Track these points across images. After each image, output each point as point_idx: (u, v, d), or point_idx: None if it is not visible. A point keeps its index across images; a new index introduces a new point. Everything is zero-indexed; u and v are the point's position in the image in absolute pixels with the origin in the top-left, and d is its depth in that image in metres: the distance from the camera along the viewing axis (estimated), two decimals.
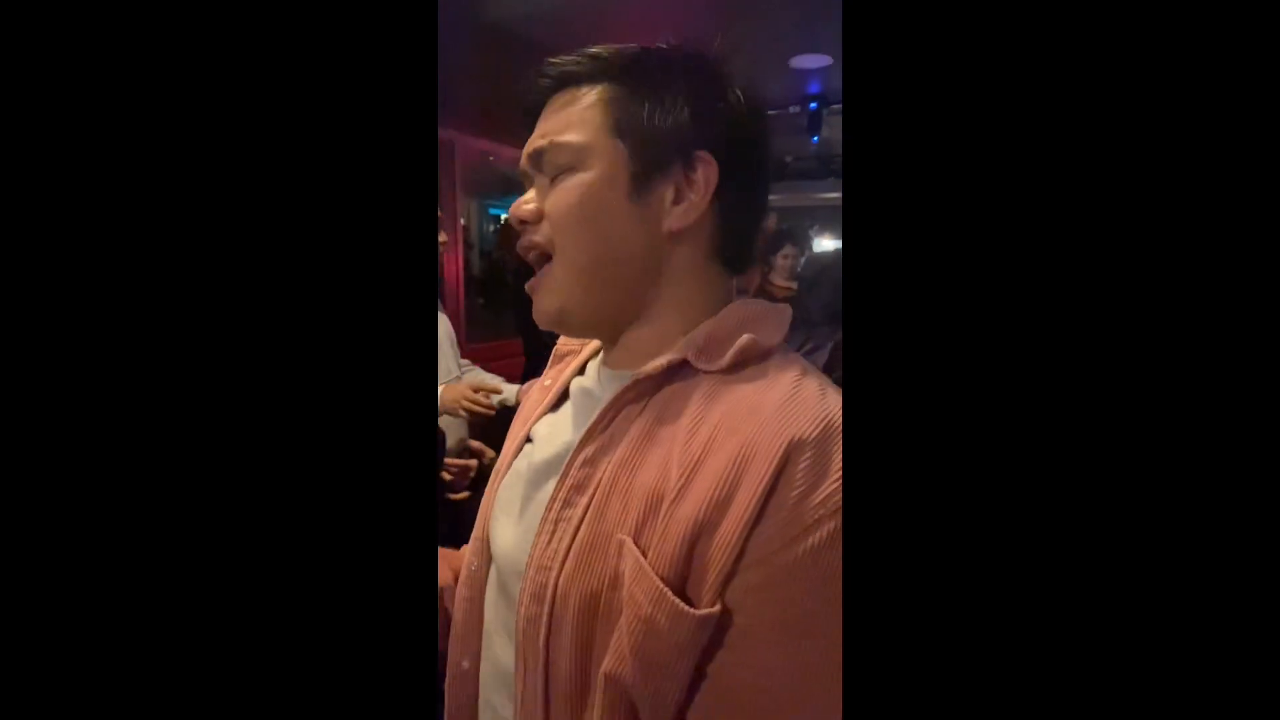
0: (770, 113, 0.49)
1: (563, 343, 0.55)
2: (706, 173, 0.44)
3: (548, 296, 0.45)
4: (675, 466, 0.39)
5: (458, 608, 0.51)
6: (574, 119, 0.44)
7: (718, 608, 0.36)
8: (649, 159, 0.44)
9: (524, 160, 0.46)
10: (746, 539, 0.36)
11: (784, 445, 0.37)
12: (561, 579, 0.41)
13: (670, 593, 0.36)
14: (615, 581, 0.39)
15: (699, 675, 0.37)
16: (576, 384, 0.51)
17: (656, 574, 0.37)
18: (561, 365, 0.54)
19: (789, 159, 4.20)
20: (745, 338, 0.42)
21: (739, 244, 0.47)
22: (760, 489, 0.36)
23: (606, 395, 0.45)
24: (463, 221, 4.12)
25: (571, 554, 0.41)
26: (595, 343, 0.53)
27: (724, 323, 0.44)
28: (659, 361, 0.43)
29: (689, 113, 0.44)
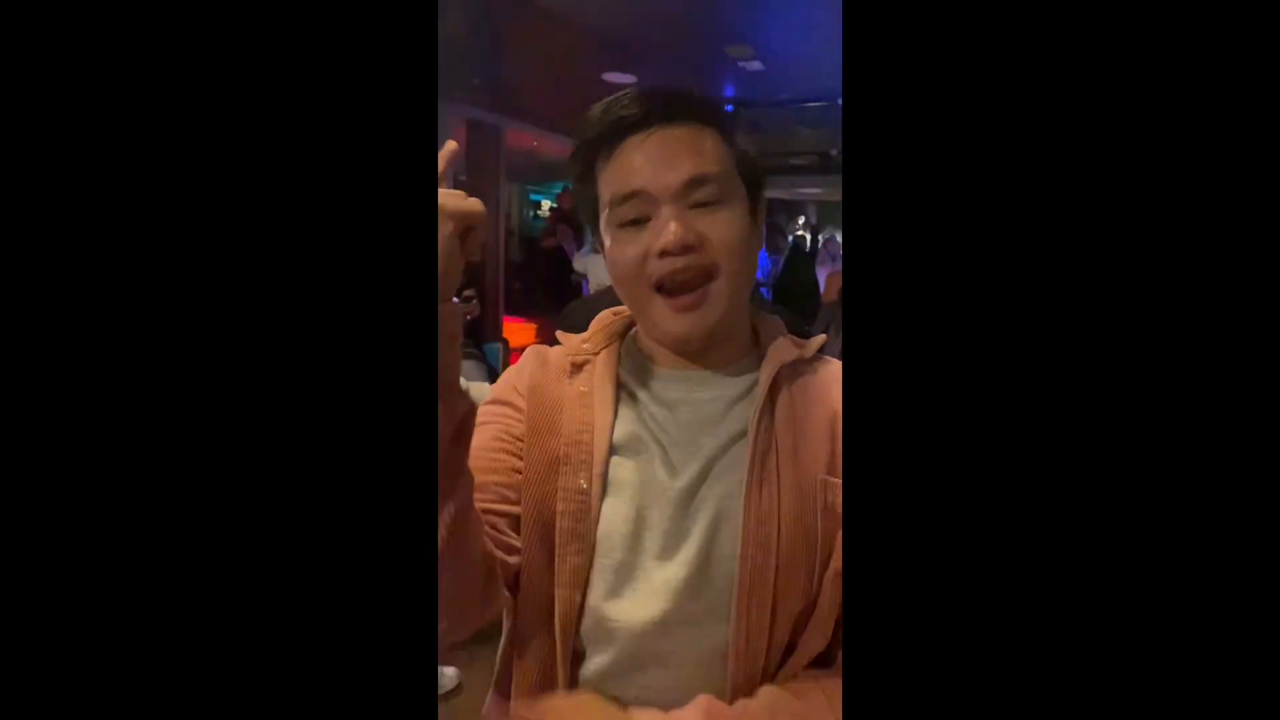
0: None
1: (579, 352, 0.57)
2: (763, 210, 0.56)
3: (712, 311, 0.51)
4: (822, 427, 0.53)
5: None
6: (708, 155, 0.51)
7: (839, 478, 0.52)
8: (754, 192, 0.54)
9: (664, 188, 0.50)
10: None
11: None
12: (783, 521, 0.50)
13: (838, 483, 0.51)
14: (827, 511, 0.51)
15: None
16: (667, 391, 0.55)
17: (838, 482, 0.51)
18: (586, 374, 0.56)
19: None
20: (821, 337, 0.59)
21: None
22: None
23: (732, 388, 0.54)
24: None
25: (784, 500, 0.50)
26: (608, 349, 0.57)
27: (781, 324, 0.59)
28: (798, 352, 0.55)
29: (749, 154, 0.54)
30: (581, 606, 0.50)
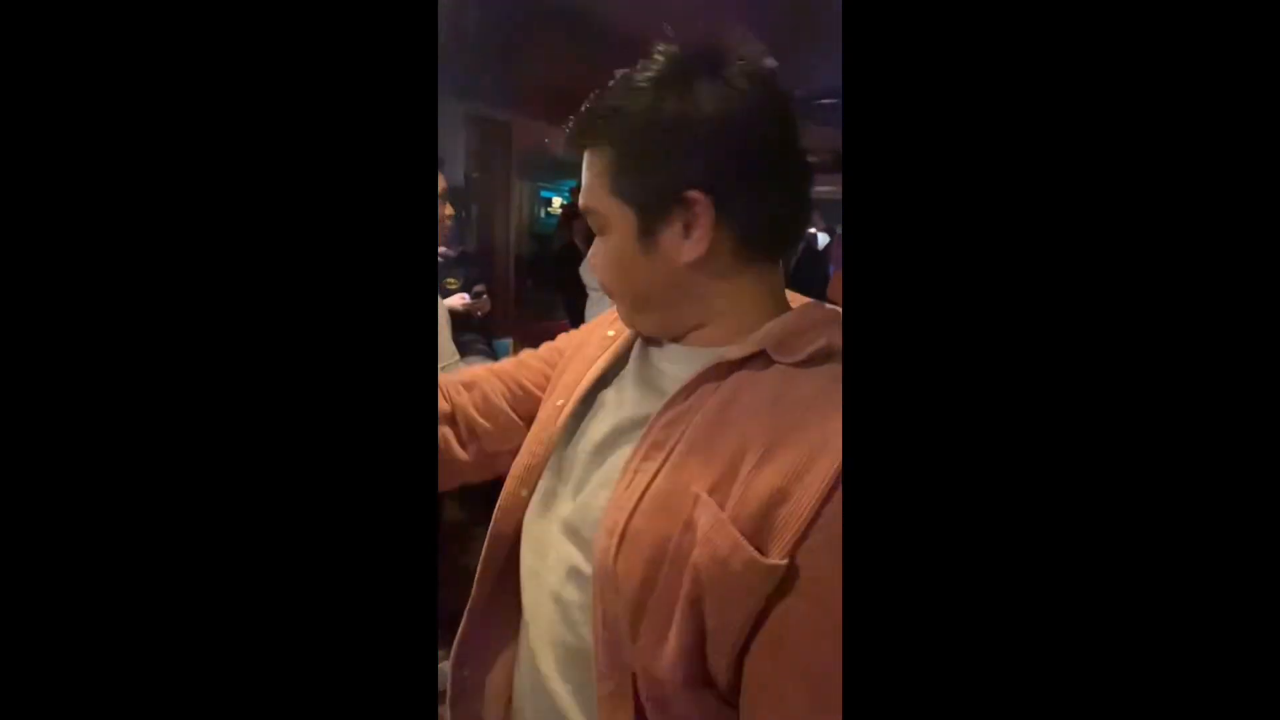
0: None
1: (614, 321, 0.60)
2: (701, 208, 0.47)
3: (629, 318, 0.55)
4: (759, 437, 0.44)
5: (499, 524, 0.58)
6: (591, 186, 0.50)
7: (785, 561, 0.41)
8: (649, 216, 0.48)
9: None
10: (819, 510, 0.41)
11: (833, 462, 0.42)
12: (635, 518, 0.46)
13: (747, 543, 0.42)
14: (689, 526, 0.44)
15: (761, 618, 0.42)
16: (645, 358, 0.56)
17: (737, 526, 0.43)
18: (611, 339, 0.60)
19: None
20: (824, 340, 0.47)
21: (769, 236, 0.50)
22: (835, 472, 0.41)
23: (686, 373, 0.50)
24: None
25: (647, 498, 0.46)
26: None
27: (799, 321, 0.49)
28: (739, 351, 0.48)
29: (673, 158, 0.47)
30: (526, 503, 0.56)
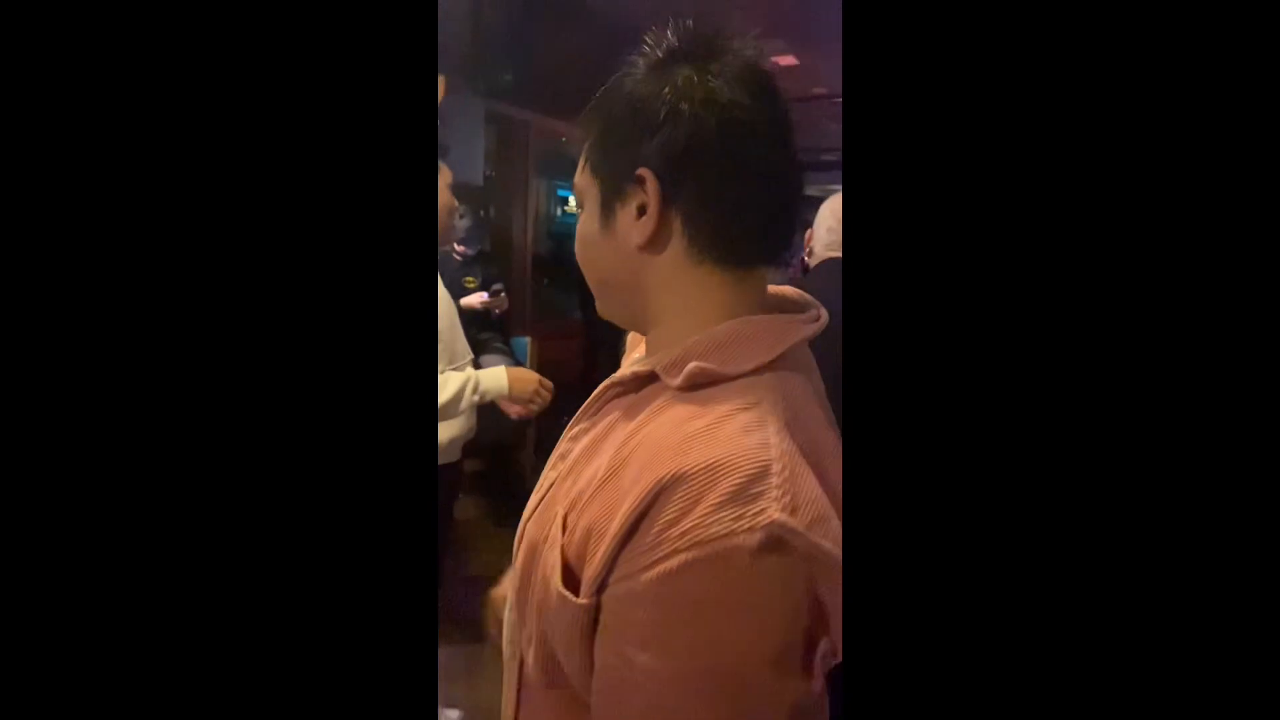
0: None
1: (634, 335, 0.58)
2: (650, 187, 0.45)
3: (606, 312, 0.53)
4: (609, 464, 0.42)
5: None
6: (580, 165, 0.50)
7: (590, 602, 0.40)
8: (609, 190, 0.47)
9: None
10: (617, 554, 0.39)
11: (665, 475, 0.38)
12: (529, 524, 0.47)
13: (559, 577, 0.41)
14: (551, 542, 0.44)
15: (590, 659, 0.41)
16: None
17: (566, 553, 0.42)
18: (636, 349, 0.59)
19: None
20: (692, 366, 0.44)
21: (724, 241, 0.46)
22: (634, 512, 0.39)
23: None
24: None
25: (537, 510, 0.48)
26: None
27: (703, 342, 0.45)
28: (629, 369, 0.48)
29: (632, 138, 0.46)
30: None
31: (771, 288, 0.51)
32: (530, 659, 0.46)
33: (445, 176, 1.38)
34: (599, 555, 0.39)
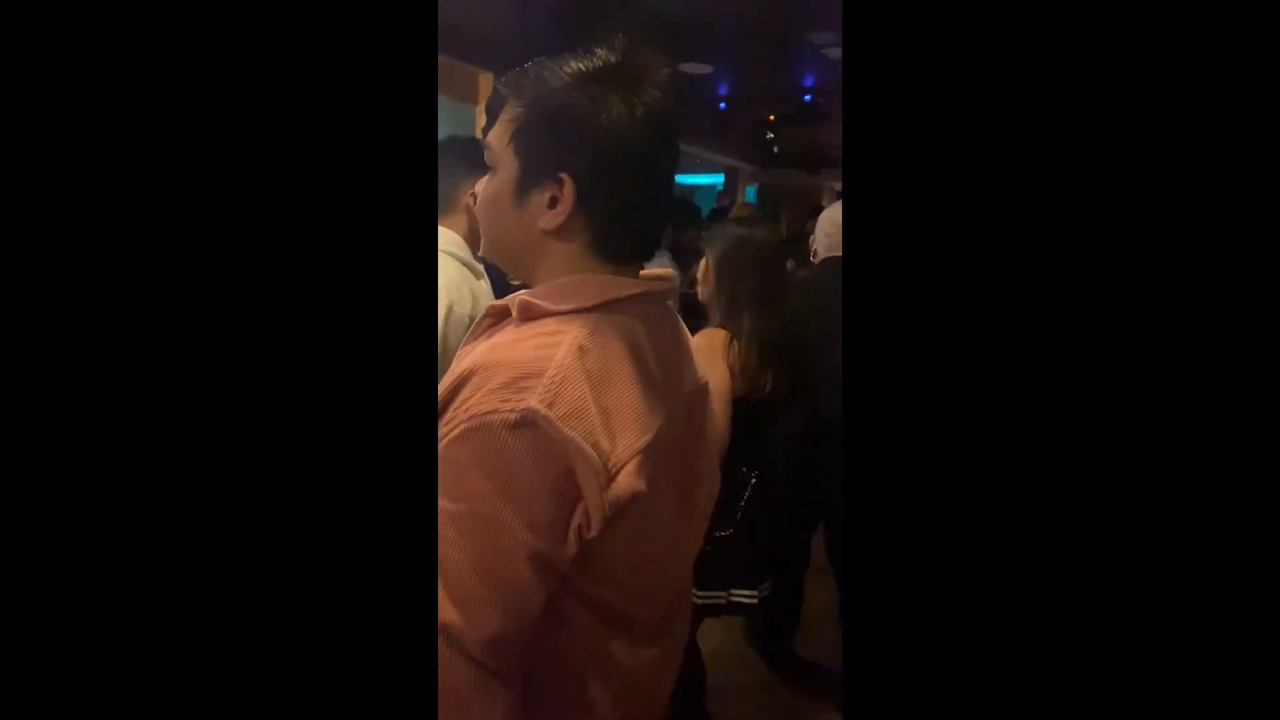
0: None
1: None
2: (568, 190, 0.55)
3: (485, 248, 0.63)
4: (465, 363, 0.54)
5: None
6: (499, 129, 0.58)
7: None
8: (529, 172, 0.56)
9: None
10: (439, 423, 0.51)
11: (467, 368, 0.51)
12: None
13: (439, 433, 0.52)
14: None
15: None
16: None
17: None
18: None
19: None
20: (517, 297, 0.57)
21: (614, 241, 0.57)
22: (445, 393, 0.51)
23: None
24: None
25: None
26: None
27: (544, 288, 0.57)
28: (500, 303, 0.60)
29: (562, 140, 0.54)
30: None
31: (645, 270, 0.62)
32: None
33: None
34: (443, 419, 0.52)
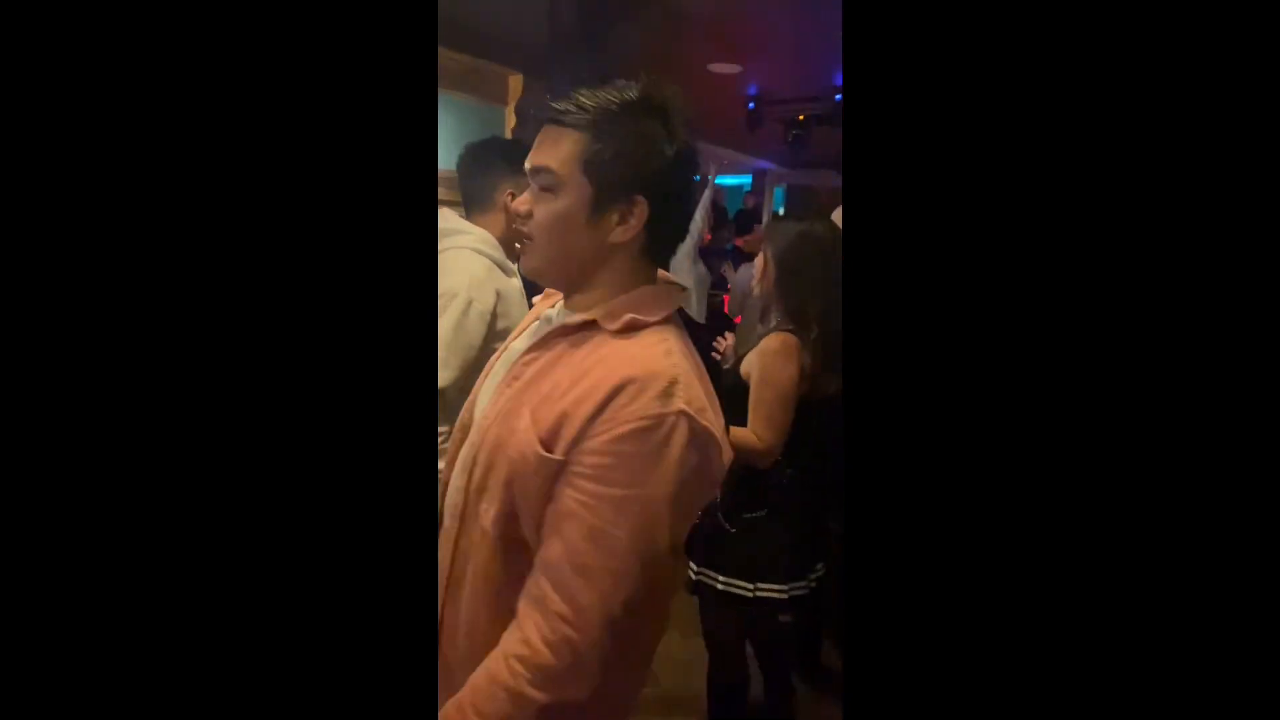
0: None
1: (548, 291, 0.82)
2: (640, 210, 0.66)
3: (529, 262, 0.71)
4: (567, 379, 0.64)
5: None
6: (560, 155, 0.65)
7: (563, 458, 0.62)
8: (604, 194, 0.66)
9: (530, 169, 0.68)
10: (587, 426, 0.61)
11: (620, 379, 0.61)
12: (491, 425, 0.68)
13: (539, 444, 0.62)
14: (513, 431, 0.65)
15: (548, 501, 0.63)
16: (544, 313, 0.78)
17: (538, 434, 0.63)
18: (547, 302, 0.80)
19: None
20: (627, 316, 0.66)
21: (662, 247, 0.71)
22: (602, 399, 0.61)
23: (552, 327, 0.70)
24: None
25: (500, 411, 0.68)
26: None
27: (628, 302, 0.68)
28: (580, 317, 0.68)
29: (634, 164, 0.65)
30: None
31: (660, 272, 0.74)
32: (488, 520, 0.66)
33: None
34: (573, 428, 0.61)
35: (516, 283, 1.27)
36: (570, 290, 0.71)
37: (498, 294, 1.19)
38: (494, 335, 1.17)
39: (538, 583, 0.61)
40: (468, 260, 1.19)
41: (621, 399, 0.60)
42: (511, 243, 1.28)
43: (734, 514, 1.29)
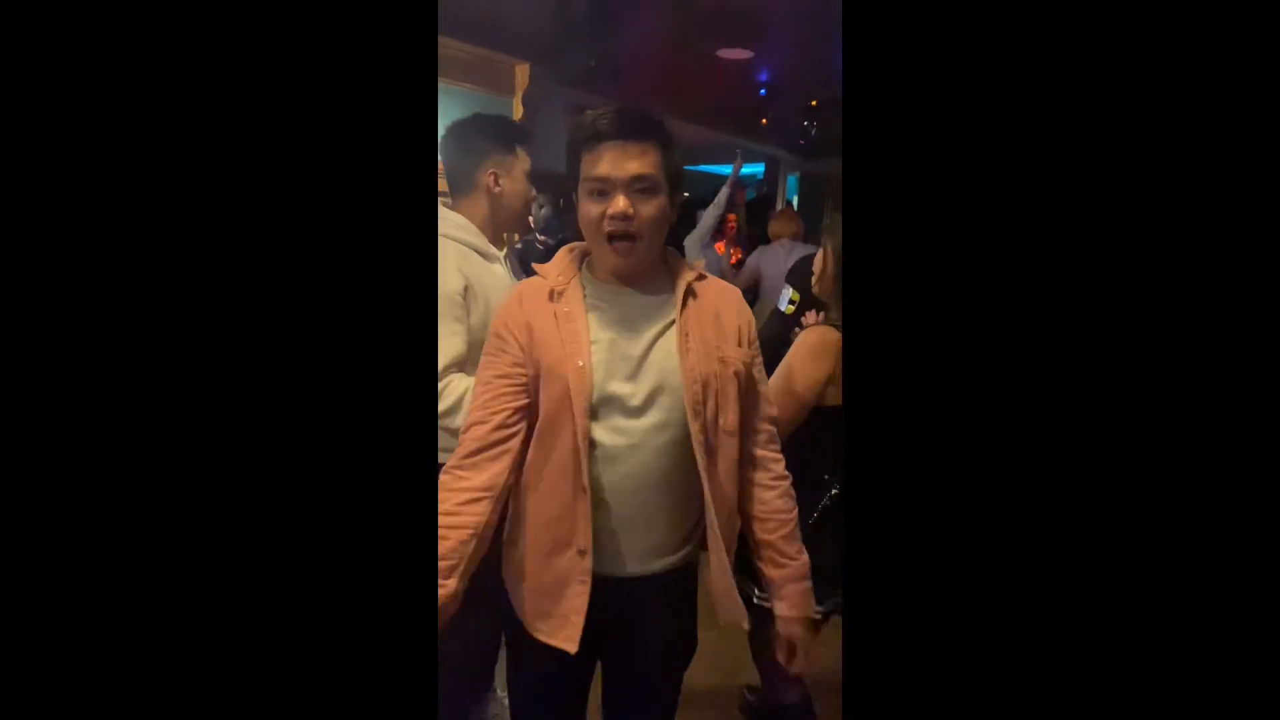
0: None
1: (556, 283, 0.91)
2: (679, 198, 0.89)
3: (636, 257, 0.86)
4: (713, 322, 0.91)
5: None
6: (649, 161, 0.83)
7: (744, 367, 0.92)
8: (674, 192, 0.87)
9: (619, 178, 0.83)
10: (751, 333, 0.95)
11: (742, 302, 0.95)
12: (699, 366, 0.87)
13: (739, 360, 0.91)
14: (723, 362, 0.89)
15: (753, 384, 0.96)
16: (618, 302, 0.91)
17: (740, 356, 0.92)
18: (564, 299, 0.90)
19: None
20: (710, 277, 0.97)
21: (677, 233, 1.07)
22: (749, 317, 0.96)
23: (651, 301, 0.91)
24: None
25: (698, 356, 0.88)
26: (574, 279, 0.92)
27: (676, 264, 0.94)
28: (694, 274, 0.93)
29: (680, 169, 0.87)
30: (587, 427, 0.85)
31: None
32: (731, 424, 0.90)
33: (524, 163, 1.32)
34: (747, 340, 0.93)
35: (499, 268, 1.24)
36: (637, 272, 0.90)
37: (465, 277, 1.15)
38: (464, 321, 1.14)
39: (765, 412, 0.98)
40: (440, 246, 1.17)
41: (749, 314, 0.95)
42: (498, 226, 1.25)
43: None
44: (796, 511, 0.98)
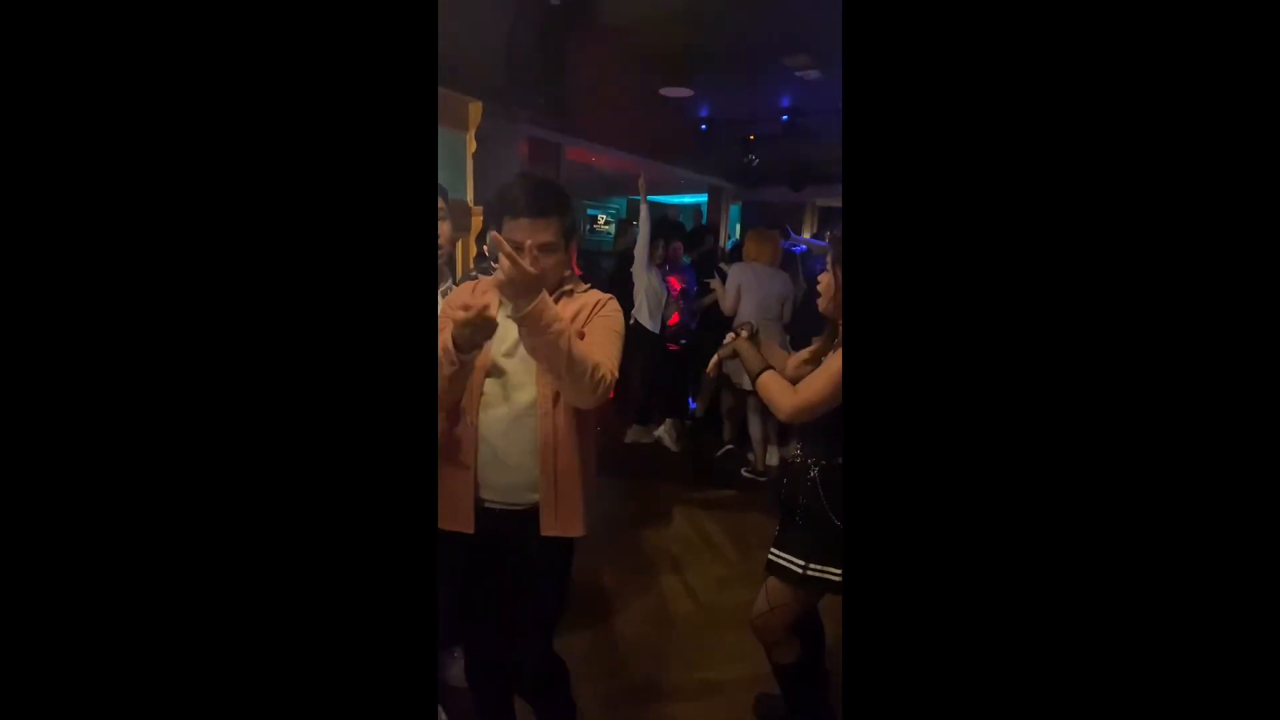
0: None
1: (484, 289, 1.17)
2: (575, 241, 1.19)
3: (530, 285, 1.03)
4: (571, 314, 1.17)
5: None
6: (554, 230, 1.13)
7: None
8: (569, 241, 1.17)
9: (530, 243, 1.09)
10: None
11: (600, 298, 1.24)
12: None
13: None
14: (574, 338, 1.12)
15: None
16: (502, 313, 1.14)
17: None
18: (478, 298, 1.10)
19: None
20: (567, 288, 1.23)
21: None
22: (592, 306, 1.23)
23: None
24: None
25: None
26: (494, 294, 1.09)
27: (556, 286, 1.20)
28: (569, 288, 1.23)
29: (569, 222, 1.17)
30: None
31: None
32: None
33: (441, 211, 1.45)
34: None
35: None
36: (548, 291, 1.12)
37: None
38: None
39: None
40: None
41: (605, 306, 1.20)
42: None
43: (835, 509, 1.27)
44: None
